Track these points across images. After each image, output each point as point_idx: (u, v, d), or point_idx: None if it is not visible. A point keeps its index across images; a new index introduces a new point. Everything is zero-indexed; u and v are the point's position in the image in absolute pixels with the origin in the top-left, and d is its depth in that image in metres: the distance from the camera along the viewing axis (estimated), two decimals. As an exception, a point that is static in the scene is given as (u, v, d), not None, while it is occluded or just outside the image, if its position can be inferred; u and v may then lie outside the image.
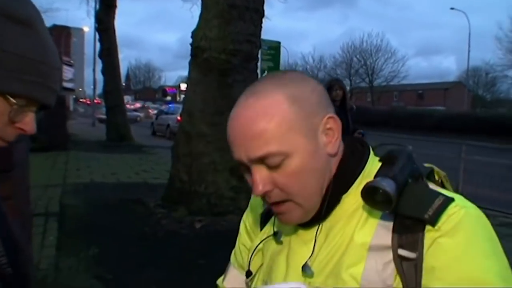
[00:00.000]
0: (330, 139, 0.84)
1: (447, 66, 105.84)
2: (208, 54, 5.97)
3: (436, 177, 0.90)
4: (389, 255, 0.78)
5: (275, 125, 0.78)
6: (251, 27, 6.18)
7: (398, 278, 0.77)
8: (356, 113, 6.50)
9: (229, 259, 1.13)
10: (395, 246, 0.77)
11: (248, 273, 0.99)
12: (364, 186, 0.79)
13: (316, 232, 0.86)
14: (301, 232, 0.90)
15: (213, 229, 5.43)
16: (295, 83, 0.84)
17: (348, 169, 0.87)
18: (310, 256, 0.85)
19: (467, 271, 0.72)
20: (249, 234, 1.08)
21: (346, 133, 1.08)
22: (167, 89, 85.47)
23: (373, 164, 0.88)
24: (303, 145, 0.80)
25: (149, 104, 56.37)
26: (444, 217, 0.75)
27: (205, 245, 4.86)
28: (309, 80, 0.88)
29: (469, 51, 42.70)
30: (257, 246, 0.99)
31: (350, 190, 0.85)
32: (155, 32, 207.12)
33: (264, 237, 0.98)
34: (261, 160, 0.80)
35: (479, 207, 0.80)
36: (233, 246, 1.14)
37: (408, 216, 0.77)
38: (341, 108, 5.65)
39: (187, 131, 6.19)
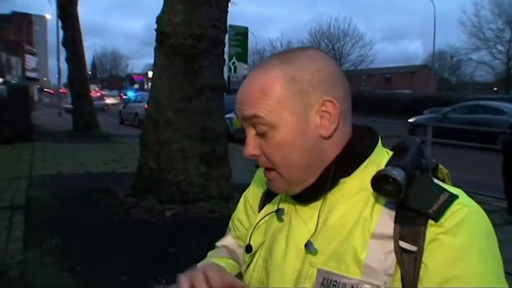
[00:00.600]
0: (325, 122, 0.85)
1: (413, 50, 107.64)
2: (174, 39, 5.87)
3: (440, 174, 0.92)
4: (391, 245, 0.79)
5: (267, 95, 0.84)
6: (217, 12, 6.09)
7: (397, 268, 0.78)
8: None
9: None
10: (396, 237, 0.78)
11: (248, 248, 0.99)
12: (375, 174, 0.79)
13: (319, 211, 0.87)
14: (300, 210, 0.92)
15: (183, 217, 5.40)
16: (299, 62, 0.86)
17: (354, 153, 0.88)
18: (313, 234, 0.86)
19: (465, 270, 0.73)
20: (246, 210, 1.10)
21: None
22: (134, 77, 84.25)
23: (380, 153, 0.90)
24: (290, 121, 0.83)
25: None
26: (447, 214, 0.76)
27: (176, 233, 4.82)
28: (319, 60, 0.87)
29: (434, 35, 43.27)
30: (258, 223, 1.00)
31: (354, 174, 0.87)
32: (121, 19, 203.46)
33: (266, 214, 1.00)
34: (252, 124, 0.86)
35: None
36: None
37: (413, 208, 0.78)
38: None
39: (154, 119, 6.10)
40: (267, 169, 0.89)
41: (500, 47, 42.38)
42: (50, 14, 40.51)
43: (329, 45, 55.95)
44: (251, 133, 0.88)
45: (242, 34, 22.41)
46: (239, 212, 1.12)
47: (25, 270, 3.86)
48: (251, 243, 0.99)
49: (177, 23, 5.86)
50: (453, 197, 0.78)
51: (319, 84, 0.85)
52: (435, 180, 0.85)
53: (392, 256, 0.78)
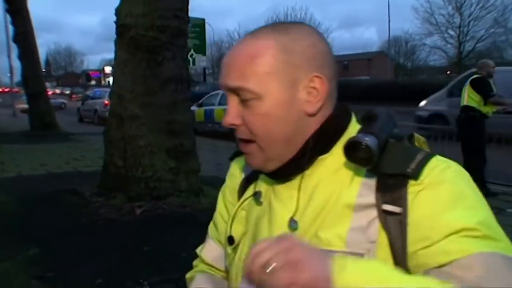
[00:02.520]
0: (312, 98, 0.84)
1: (368, 37, 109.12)
2: (135, 31, 5.69)
3: (416, 143, 0.92)
4: (374, 212, 0.78)
5: (256, 64, 0.81)
6: (178, 2, 5.95)
7: (382, 234, 0.77)
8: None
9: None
10: (379, 203, 0.77)
11: (231, 240, 0.97)
12: (347, 141, 0.78)
13: (298, 190, 0.86)
14: (279, 192, 0.89)
15: (154, 213, 5.27)
16: (293, 34, 0.84)
17: (330, 130, 0.86)
18: (295, 213, 0.85)
19: (450, 221, 0.71)
20: (226, 205, 1.08)
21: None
22: (90, 73, 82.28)
23: (355, 127, 0.88)
24: (277, 92, 0.81)
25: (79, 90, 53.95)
26: (426, 171, 0.76)
27: (148, 231, 4.70)
28: (312, 35, 0.86)
29: (389, 22, 44.24)
30: (236, 212, 0.98)
31: (332, 150, 0.86)
32: (75, 15, 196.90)
33: (243, 201, 0.98)
34: (236, 93, 0.84)
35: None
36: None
37: (391, 173, 0.77)
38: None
39: (118, 114, 5.91)
40: (246, 142, 0.87)
41: (451, 32, 43.53)
42: (-4, 10, 38.72)
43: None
44: (233, 101, 0.85)
45: (199, 26, 22.15)
46: (220, 207, 1.09)
47: (-9, 280, 3.67)
48: (232, 234, 0.97)
49: (137, 15, 5.68)
50: (430, 155, 0.78)
51: (310, 59, 0.83)
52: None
53: (376, 223, 0.77)
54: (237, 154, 1.05)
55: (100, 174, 6.30)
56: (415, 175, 0.75)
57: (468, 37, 42.63)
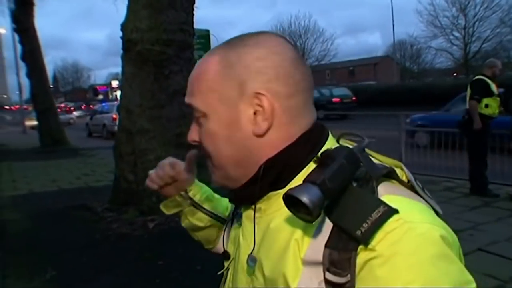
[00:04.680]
0: (258, 117, 0.75)
1: (373, 42, 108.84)
2: (141, 46, 5.73)
3: (404, 178, 0.75)
4: (321, 273, 0.65)
5: (201, 81, 0.79)
6: (183, 15, 5.98)
7: None
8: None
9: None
10: (325, 265, 0.65)
11: (226, 254, 0.94)
12: (283, 195, 0.65)
13: (254, 224, 0.80)
14: (244, 221, 0.85)
15: (167, 227, 5.26)
16: (242, 47, 0.78)
17: (286, 161, 0.76)
18: (252, 250, 0.80)
19: None
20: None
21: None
22: (97, 87, 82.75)
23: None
24: (220, 111, 0.77)
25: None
26: (380, 235, 0.61)
27: (161, 245, 4.69)
28: (266, 47, 0.77)
29: (393, 26, 43.99)
30: (224, 230, 0.98)
31: (289, 185, 0.75)
32: (82, 31, 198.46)
33: (228, 221, 0.97)
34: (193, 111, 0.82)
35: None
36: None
37: (342, 229, 0.64)
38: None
39: (127, 129, 5.94)
40: (206, 158, 0.84)
41: (456, 34, 43.31)
42: (4, 29, 39.20)
43: (291, 41, 56.18)
44: (196, 121, 0.84)
45: (204, 37, 22.13)
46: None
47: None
48: (227, 249, 0.95)
49: (143, 29, 5.72)
50: (390, 212, 0.62)
51: (256, 74, 0.75)
52: (386, 190, 0.69)
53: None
54: None
55: (111, 188, 6.32)
56: (366, 241, 0.61)
57: (473, 38, 42.41)
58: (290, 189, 0.64)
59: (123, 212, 5.75)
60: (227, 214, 1.11)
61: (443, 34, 43.85)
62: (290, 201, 0.64)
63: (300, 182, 0.67)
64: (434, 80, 36.22)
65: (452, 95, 11.62)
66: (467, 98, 6.24)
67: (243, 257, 0.82)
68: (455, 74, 47.88)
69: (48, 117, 16.35)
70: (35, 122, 19.06)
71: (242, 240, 0.85)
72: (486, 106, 6.04)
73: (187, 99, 0.83)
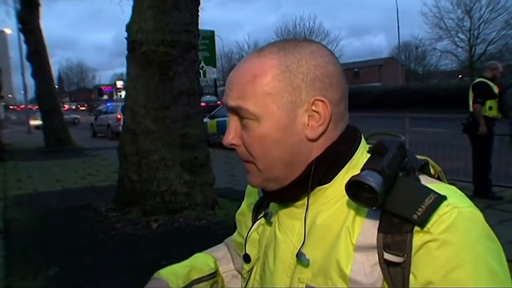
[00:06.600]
0: (313, 123, 0.79)
1: (378, 44, 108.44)
2: (146, 47, 5.75)
3: (432, 172, 0.84)
4: (376, 256, 0.72)
5: (257, 84, 0.78)
6: (188, 16, 6.00)
7: (385, 283, 0.72)
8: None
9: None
10: (380, 247, 0.72)
11: (246, 257, 0.95)
12: (348, 181, 0.72)
13: (304, 221, 0.82)
14: (283, 222, 0.87)
15: (171, 227, 5.28)
16: (299, 54, 0.80)
17: (334, 157, 0.81)
18: (302, 245, 0.81)
19: (458, 280, 0.66)
20: (240, 223, 1.09)
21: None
22: (102, 88, 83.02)
23: (363, 155, 0.83)
24: (276, 115, 0.78)
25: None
26: (434, 218, 0.68)
27: (165, 245, 4.70)
28: (320, 56, 0.81)
29: (398, 27, 44.14)
30: (248, 234, 0.96)
31: (335, 180, 0.81)
32: (89, 32, 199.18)
33: (255, 222, 0.97)
34: (236, 112, 0.81)
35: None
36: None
37: (396, 214, 0.71)
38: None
39: (132, 129, 5.96)
40: (246, 161, 0.84)
41: (461, 36, 43.15)
42: (10, 29, 39.44)
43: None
44: (234, 121, 0.83)
45: (209, 38, 22.27)
46: (239, 228, 1.10)
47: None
48: (248, 252, 0.95)
49: (148, 30, 5.74)
50: (441, 198, 0.70)
51: (314, 81, 0.79)
52: (426, 179, 0.78)
53: (379, 269, 0.72)
54: None
55: (116, 189, 6.35)
56: (422, 223, 0.68)
57: (478, 40, 42.25)
58: (354, 176, 0.71)
59: (127, 212, 5.78)
60: (207, 269, 1.11)
61: (448, 36, 43.73)
62: (352, 188, 0.71)
63: (345, 176, 0.77)
64: (439, 82, 36.14)
65: (457, 97, 11.62)
66: (470, 101, 6.23)
67: (284, 253, 0.84)
68: (460, 76, 47.76)
69: (53, 117, 16.43)
70: (39, 122, 19.14)
71: (281, 238, 0.86)
72: (490, 108, 6.03)
73: (233, 102, 0.80)
